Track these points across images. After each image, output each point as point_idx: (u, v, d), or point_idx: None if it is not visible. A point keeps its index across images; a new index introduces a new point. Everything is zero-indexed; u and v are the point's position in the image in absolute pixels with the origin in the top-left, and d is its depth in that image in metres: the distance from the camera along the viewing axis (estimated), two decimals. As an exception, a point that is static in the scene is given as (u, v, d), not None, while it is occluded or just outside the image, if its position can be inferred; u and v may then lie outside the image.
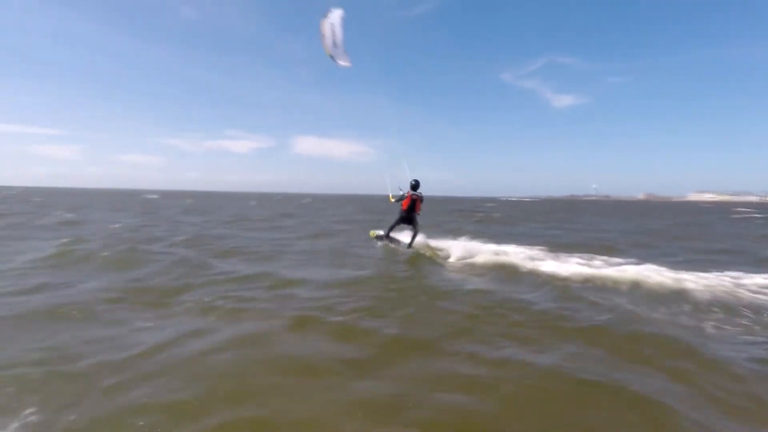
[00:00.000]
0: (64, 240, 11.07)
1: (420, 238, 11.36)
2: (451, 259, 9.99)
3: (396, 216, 11.26)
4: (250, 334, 4.69)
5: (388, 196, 11.57)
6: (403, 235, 11.49)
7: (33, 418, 3.11)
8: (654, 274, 7.81)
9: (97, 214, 23.80)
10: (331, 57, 10.01)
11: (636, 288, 7.18)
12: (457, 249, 10.56)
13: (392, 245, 11.39)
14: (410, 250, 10.83)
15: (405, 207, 10.94)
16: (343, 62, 10.10)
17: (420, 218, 11.23)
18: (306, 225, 20.18)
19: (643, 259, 9.56)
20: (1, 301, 5.76)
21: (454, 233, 13.79)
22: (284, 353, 4.23)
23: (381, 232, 12.24)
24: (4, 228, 14.87)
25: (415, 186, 10.98)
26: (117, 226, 16.52)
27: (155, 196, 67.80)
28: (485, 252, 10.46)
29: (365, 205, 53.50)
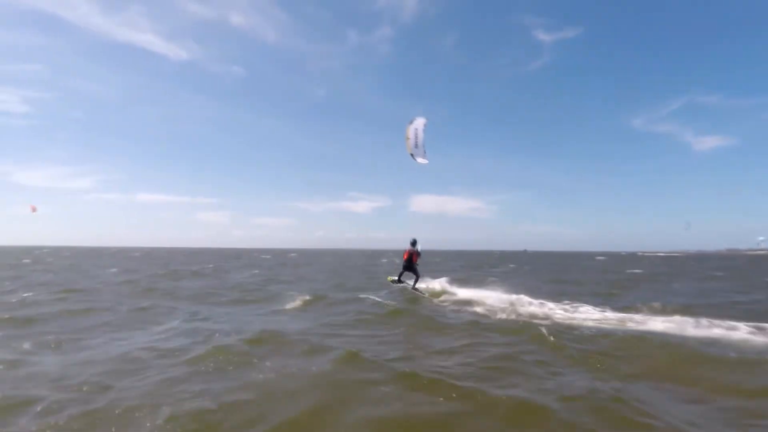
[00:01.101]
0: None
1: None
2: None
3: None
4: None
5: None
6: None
7: None
8: None
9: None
10: (412, 155, 12.46)
11: None
12: None
13: (402, 285, 15.13)
14: (413, 290, 14.33)
15: (405, 258, 14.37)
16: (421, 160, 12.48)
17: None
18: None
19: None
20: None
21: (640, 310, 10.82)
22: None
23: (395, 278, 15.64)
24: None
25: (414, 243, 14.32)
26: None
27: (294, 255, 76.80)
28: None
29: (475, 260, 54.20)
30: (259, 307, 11.74)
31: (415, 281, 14.57)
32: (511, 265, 41.91)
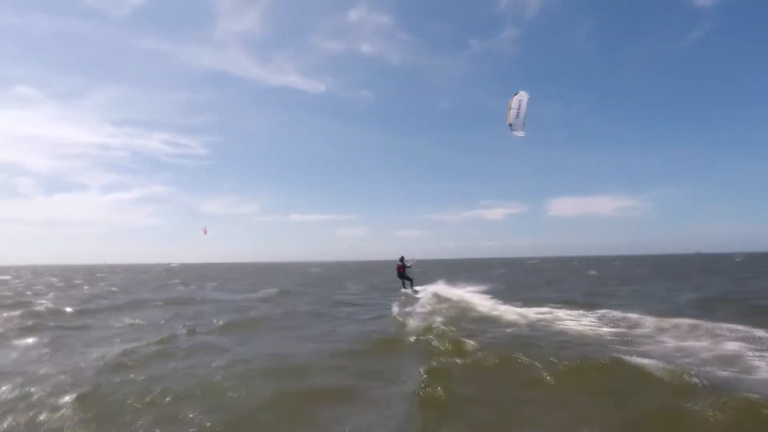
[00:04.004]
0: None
1: None
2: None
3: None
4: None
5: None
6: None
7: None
8: None
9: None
10: (510, 125, 12.44)
11: None
12: None
13: (405, 290, 19.81)
14: (411, 292, 19.22)
15: (398, 270, 19.97)
16: (519, 132, 12.38)
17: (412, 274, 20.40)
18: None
19: None
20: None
21: None
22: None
23: (404, 288, 20.16)
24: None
25: (401, 259, 19.75)
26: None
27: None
28: None
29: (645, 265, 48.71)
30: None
31: (411, 284, 19.82)
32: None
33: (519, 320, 10.94)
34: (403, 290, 19.90)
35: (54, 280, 39.63)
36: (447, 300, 15.92)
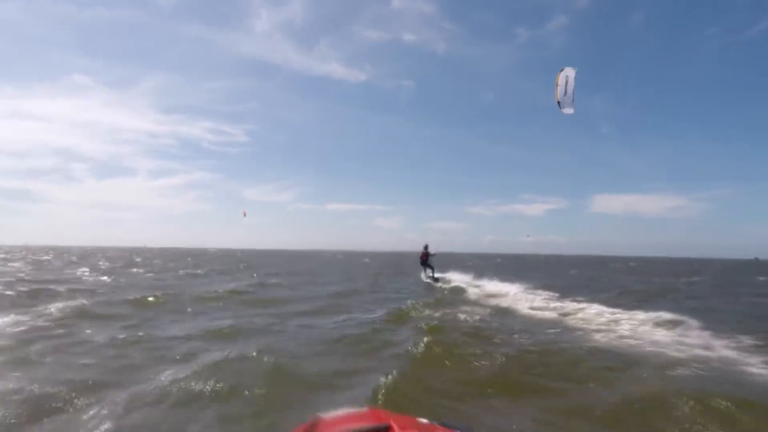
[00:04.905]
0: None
1: None
2: None
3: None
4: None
5: None
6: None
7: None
8: None
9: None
10: (558, 103, 11.62)
11: None
12: None
13: (425, 278, 20.06)
14: (430, 281, 19.51)
15: (421, 257, 20.03)
16: (568, 110, 11.49)
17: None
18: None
19: None
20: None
21: None
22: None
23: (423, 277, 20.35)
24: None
25: (426, 247, 19.92)
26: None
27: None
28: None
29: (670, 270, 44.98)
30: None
31: (432, 272, 19.98)
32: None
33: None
34: (423, 277, 20.39)
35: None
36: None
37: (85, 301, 10.72)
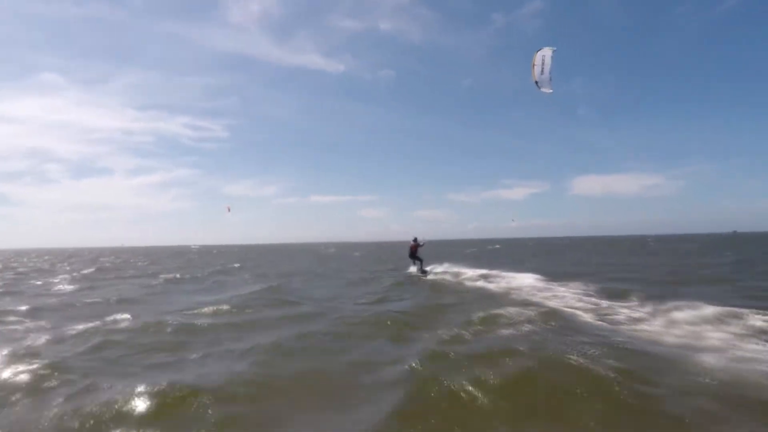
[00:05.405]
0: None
1: None
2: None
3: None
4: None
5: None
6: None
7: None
8: None
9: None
10: (536, 83, 11.26)
11: None
12: None
13: (413, 271, 19.92)
14: (416, 274, 19.28)
15: (411, 249, 19.92)
16: (546, 89, 11.16)
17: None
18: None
19: None
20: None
21: None
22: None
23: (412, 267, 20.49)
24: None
25: (415, 239, 19.79)
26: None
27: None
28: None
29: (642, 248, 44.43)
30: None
31: (421, 264, 19.70)
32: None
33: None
34: (411, 269, 20.42)
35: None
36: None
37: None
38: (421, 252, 20.27)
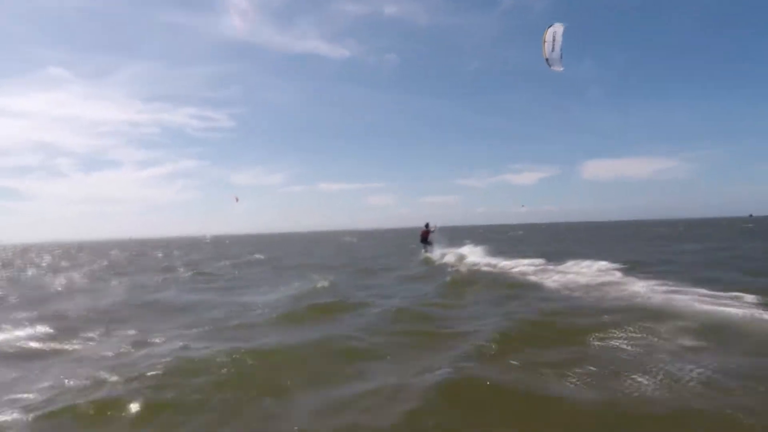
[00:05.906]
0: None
1: None
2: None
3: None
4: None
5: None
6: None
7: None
8: None
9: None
10: (546, 60, 11.17)
11: None
12: None
13: (426, 254, 20.23)
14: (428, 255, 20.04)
15: (421, 235, 21.11)
16: (556, 67, 11.06)
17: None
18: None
19: None
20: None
21: None
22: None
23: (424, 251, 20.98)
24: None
25: (426, 225, 20.95)
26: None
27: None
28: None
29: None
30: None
31: (432, 249, 20.51)
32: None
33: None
34: (424, 254, 20.81)
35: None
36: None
37: None
38: (432, 238, 21.04)
